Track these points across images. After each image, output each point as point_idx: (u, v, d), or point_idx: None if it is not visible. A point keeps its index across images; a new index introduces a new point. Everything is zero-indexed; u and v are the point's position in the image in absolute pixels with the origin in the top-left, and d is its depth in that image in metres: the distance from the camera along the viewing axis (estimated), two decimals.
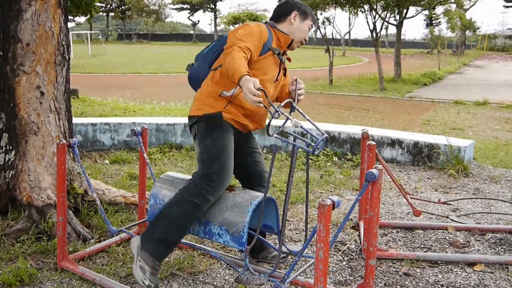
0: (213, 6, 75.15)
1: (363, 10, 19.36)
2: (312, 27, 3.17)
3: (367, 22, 19.72)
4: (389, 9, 19.52)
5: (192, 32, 74.92)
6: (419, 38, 50.37)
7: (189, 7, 72.00)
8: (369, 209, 2.67)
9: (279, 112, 2.58)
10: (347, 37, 44.17)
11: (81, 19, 56.82)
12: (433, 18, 38.29)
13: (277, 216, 3.00)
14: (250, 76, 2.56)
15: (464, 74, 26.07)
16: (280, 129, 2.66)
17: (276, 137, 2.66)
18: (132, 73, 23.18)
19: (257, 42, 2.84)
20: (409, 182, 5.37)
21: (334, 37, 21.48)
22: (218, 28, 73.61)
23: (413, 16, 21.76)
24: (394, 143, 5.97)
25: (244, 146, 3.18)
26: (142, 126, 3.45)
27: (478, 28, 42.21)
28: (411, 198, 4.08)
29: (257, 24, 2.93)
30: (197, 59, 3.20)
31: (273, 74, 3.02)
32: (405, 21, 20.67)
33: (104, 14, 72.79)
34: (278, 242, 3.08)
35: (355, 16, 20.97)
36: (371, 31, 19.27)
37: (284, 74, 3.18)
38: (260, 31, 2.88)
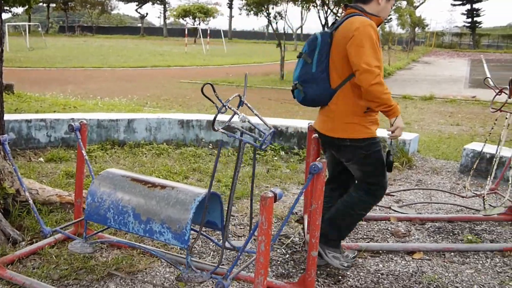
0: None
1: (315, 5, 19.42)
2: (393, 6, 3.25)
3: (319, 17, 19.76)
4: (341, 4, 19.67)
5: (140, 25, 72.71)
6: None
7: None
8: (312, 201, 2.63)
9: (226, 107, 2.56)
10: (299, 31, 44.19)
11: (19, 9, 54.44)
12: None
13: (221, 212, 2.92)
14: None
15: (412, 70, 26.68)
16: (227, 123, 2.64)
17: (222, 131, 2.60)
18: (75, 68, 22.15)
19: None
20: None
21: (286, 32, 21.38)
22: (168, 21, 71.95)
23: None
24: None
25: None
26: (81, 121, 3.29)
27: (427, 25, 43.29)
28: None
29: (370, 26, 2.88)
30: (307, 81, 3.03)
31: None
32: None
33: (44, 5, 69.36)
34: (222, 238, 3.00)
35: (307, 11, 21.03)
36: (323, 26, 19.37)
37: None
38: (375, 36, 2.89)
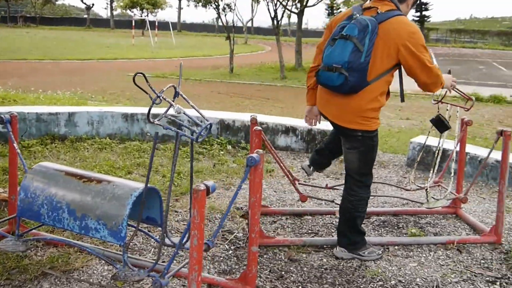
0: None
1: None
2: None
3: (268, 9, 19.77)
4: None
5: (86, 16, 70.06)
6: (321, 27, 51.67)
7: None
8: (251, 194, 2.58)
9: (161, 98, 2.48)
10: (250, 24, 44.07)
11: None
12: (334, 7, 39.43)
13: (160, 208, 2.83)
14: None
15: None
16: (163, 115, 2.57)
17: (157, 124, 2.52)
18: (17, 60, 21.44)
19: None
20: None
21: (236, 25, 21.27)
22: (115, 13, 69.94)
23: (314, 5, 22.18)
24: (288, 130, 5.98)
25: None
26: (11, 113, 3.12)
27: None
28: (299, 184, 4.07)
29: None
30: (354, 69, 2.92)
31: None
32: (307, 10, 20.98)
33: None
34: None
35: (257, 3, 20.98)
36: (272, 19, 19.39)
37: None
38: None
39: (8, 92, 10.51)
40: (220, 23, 21.42)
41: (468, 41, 56.54)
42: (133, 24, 39.44)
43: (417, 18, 59.07)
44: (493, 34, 57.01)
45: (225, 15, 20.76)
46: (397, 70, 3.10)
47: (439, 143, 4.10)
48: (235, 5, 21.29)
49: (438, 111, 3.92)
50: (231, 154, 5.80)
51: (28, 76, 15.94)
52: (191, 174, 2.63)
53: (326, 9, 39.95)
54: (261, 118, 6.15)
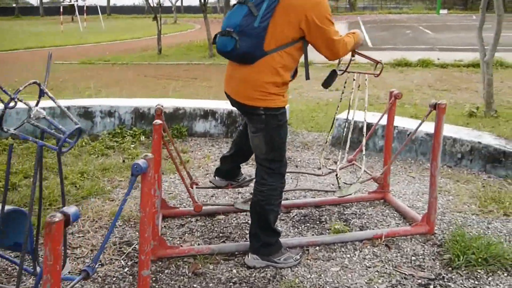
0: None
1: None
2: None
3: None
4: None
5: (14, 5, 66.09)
6: None
7: None
8: (141, 208, 2.10)
9: (16, 100, 2.12)
10: (179, 4, 42.88)
11: None
12: None
13: (30, 231, 2.30)
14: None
15: None
16: (25, 122, 2.24)
17: (12, 133, 2.06)
18: None
19: None
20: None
21: (163, 4, 20.43)
22: (44, 0, 66.75)
23: None
24: (207, 114, 5.48)
25: None
26: None
27: None
28: (197, 188, 3.58)
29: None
30: (245, 33, 2.72)
31: None
32: None
33: None
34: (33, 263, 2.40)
35: None
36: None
37: None
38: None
39: None
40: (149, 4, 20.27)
41: (394, 6, 57.44)
42: (61, 10, 37.47)
43: None
44: None
45: None
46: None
47: (347, 115, 3.65)
48: None
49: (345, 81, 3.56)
50: (145, 146, 5.23)
51: None
52: (62, 187, 2.11)
53: None
54: (178, 103, 5.64)
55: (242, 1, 2.78)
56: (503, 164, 4.25)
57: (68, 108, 5.44)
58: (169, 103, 5.59)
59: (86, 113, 5.45)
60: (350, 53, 3.21)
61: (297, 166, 4.68)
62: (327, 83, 3.20)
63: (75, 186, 4.02)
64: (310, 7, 2.70)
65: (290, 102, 8.32)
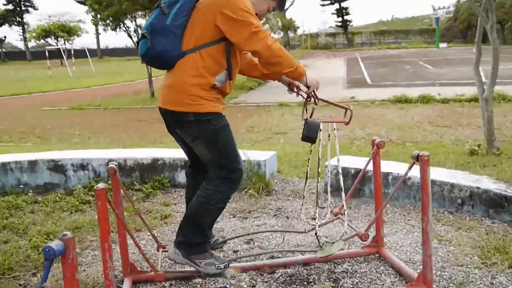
0: (20, 19, 68.96)
1: None
2: (273, 9, 3.05)
3: None
4: None
5: (0, 50, 66.91)
6: None
7: None
8: None
9: None
10: None
11: None
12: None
13: None
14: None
15: None
16: None
17: None
18: None
19: None
20: None
21: None
22: (32, 44, 66.86)
23: None
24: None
25: None
26: None
27: (297, 28, 43.86)
28: (164, 252, 3.25)
29: None
30: (157, 32, 2.69)
31: None
32: None
33: None
34: None
35: None
36: None
37: None
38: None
39: None
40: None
41: (392, 41, 57.72)
42: (47, 54, 37.26)
43: (340, 24, 59.87)
44: (415, 33, 58.57)
45: (138, 37, 19.66)
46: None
47: (319, 164, 3.31)
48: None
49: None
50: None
51: None
52: None
53: None
54: (156, 153, 5.33)
55: (159, 5, 2.76)
56: (506, 209, 3.90)
57: (36, 162, 5.17)
58: (146, 154, 5.29)
59: (57, 167, 5.15)
60: (313, 100, 3.07)
61: (288, 217, 4.34)
62: (311, 137, 3.02)
63: (37, 250, 3.65)
64: (225, 2, 2.65)
65: (282, 146, 8.05)
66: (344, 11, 59.95)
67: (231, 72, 2.80)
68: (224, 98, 2.96)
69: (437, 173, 4.37)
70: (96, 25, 21.25)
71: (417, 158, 2.76)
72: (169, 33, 2.66)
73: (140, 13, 17.68)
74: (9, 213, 4.54)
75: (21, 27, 68.26)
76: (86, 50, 41.98)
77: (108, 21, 17.86)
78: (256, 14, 2.84)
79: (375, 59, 33.69)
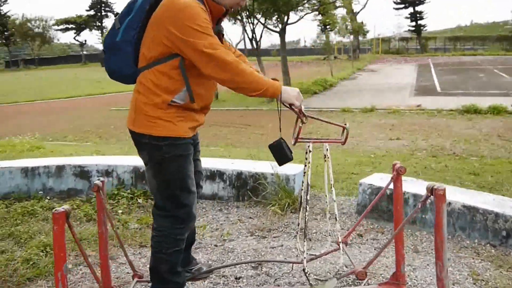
0: (100, 24, 72.11)
1: (240, 18, 18.50)
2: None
3: (245, 30, 18.86)
4: (268, 15, 18.71)
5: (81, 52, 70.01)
6: (317, 44, 50.82)
7: (74, 26, 68.01)
8: None
9: None
10: (242, 46, 42.98)
11: None
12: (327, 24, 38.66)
13: None
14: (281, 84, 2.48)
15: (357, 80, 25.99)
16: None
17: None
18: (8, 104, 21.28)
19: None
20: (225, 224, 4.26)
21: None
22: None
23: (295, 22, 21.22)
24: (214, 175, 4.83)
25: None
26: None
27: (367, 32, 42.55)
28: (139, 281, 2.93)
29: (198, 6, 2.33)
30: (109, 49, 2.53)
31: None
32: (302, 27, 20.09)
33: None
34: None
35: (234, 23, 20.08)
36: (251, 40, 18.48)
37: None
38: (204, 13, 2.35)
39: None
40: None
41: (468, 48, 54.82)
42: None
43: (413, 28, 57.63)
44: (493, 40, 55.31)
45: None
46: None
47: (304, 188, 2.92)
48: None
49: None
50: (144, 209, 4.64)
51: (10, 120, 15.33)
52: None
53: (318, 25, 38.49)
54: None
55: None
56: None
57: (63, 167, 5.05)
58: None
59: (82, 172, 4.99)
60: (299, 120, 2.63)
61: (310, 239, 3.95)
62: (284, 158, 2.62)
63: (28, 263, 3.41)
64: (169, 17, 2.31)
65: (331, 155, 7.63)
66: (418, 15, 57.72)
67: (191, 93, 2.44)
68: (202, 111, 2.64)
69: (482, 199, 3.84)
70: None
71: (431, 192, 2.33)
72: (119, 50, 2.46)
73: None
74: (21, 220, 4.36)
75: (100, 31, 71.03)
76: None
77: None
78: (226, 8, 2.52)
79: (447, 65, 32.26)
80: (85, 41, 69.05)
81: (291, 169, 4.74)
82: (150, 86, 2.42)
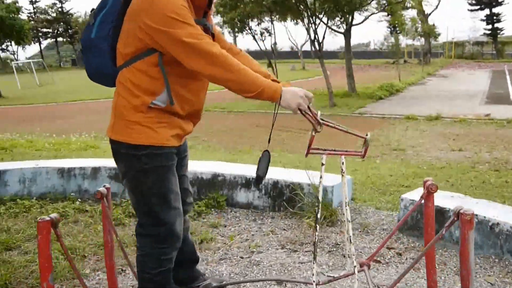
0: None
1: (302, 18, 18.31)
2: None
3: (307, 30, 18.63)
4: (331, 15, 18.38)
5: None
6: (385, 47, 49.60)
7: None
8: None
9: None
10: (307, 48, 42.38)
11: (30, 47, 55.13)
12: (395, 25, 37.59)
13: None
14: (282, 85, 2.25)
15: (426, 85, 25.16)
16: None
17: None
18: (74, 101, 22.24)
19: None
20: (256, 235, 4.10)
21: (281, 49, 20.59)
22: None
23: (360, 23, 20.73)
24: (249, 183, 4.68)
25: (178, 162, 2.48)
26: None
27: (439, 34, 40.93)
28: None
29: None
30: (85, 47, 2.32)
31: None
32: (370, 29, 19.70)
33: (53, 40, 69.80)
34: None
35: (296, 24, 19.93)
36: (312, 42, 18.23)
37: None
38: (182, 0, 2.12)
39: (17, 140, 10.04)
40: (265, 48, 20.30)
41: None
42: None
43: (489, 32, 54.87)
44: None
45: (263, 40, 19.76)
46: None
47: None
48: (273, 28, 20.26)
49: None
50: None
51: (72, 118, 16.05)
52: None
53: (387, 27, 37.25)
54: (218, 168, 4.90)
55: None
56: None
57: (99, 168, 5.05)
58: (207, 168, 4.90)
59: (117, 176, 4.94)
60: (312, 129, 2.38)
61: (344, 256, 3.72)
62: (259, 176, 2.39)
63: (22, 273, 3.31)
64: (144, 8, 2.08)
65: (377, 166, 7.31)
66: (495, 17, 54.99)
67: (170, 93, 2.21)
68: (189, 118, 2.43)
69: None
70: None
71: (457, 216, 2.07)
72: (94, 48, 2.25)
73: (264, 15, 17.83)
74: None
75: None
76: None
77: (233, 23, 18.24)
78: None
79: None
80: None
81: (330, 179, 4.52)
82: (129, 86, 2.21)
